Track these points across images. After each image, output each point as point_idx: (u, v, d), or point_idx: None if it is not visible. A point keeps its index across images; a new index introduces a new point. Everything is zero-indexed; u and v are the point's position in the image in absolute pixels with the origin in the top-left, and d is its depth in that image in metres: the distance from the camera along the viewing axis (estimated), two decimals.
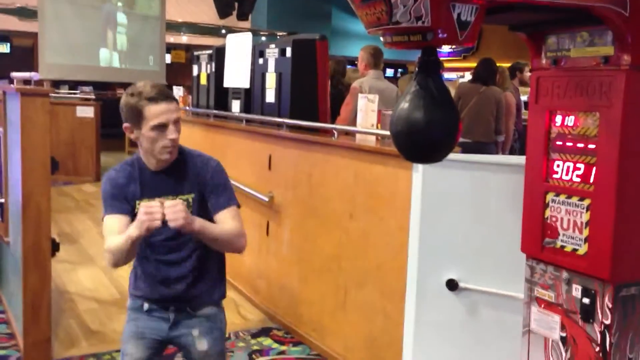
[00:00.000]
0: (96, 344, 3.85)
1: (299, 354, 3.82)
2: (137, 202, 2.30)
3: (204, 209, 2.33)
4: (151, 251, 2.38)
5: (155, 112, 2.20)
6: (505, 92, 6.14)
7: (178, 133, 2.27)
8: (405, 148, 1.68)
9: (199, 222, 2.20)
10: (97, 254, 5.79)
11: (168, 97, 2.25)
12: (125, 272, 5.32)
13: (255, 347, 3.88)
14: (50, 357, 3.59)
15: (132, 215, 2.24)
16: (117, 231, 2.21)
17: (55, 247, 3.65)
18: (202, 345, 2.39)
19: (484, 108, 5.74)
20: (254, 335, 4.07)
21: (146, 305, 2.42)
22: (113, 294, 4.71)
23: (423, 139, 1.62)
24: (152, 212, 2.06)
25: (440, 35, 1.53)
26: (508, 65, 7.00)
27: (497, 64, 6.43)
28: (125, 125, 2.28)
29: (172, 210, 2.07)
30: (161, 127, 2.22)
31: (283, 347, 3.91)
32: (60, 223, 6.84)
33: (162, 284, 2.38)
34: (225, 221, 2.32)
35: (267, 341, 3.99)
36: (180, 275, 2.36)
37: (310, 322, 3.96)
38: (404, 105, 1.63)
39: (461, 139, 5.75)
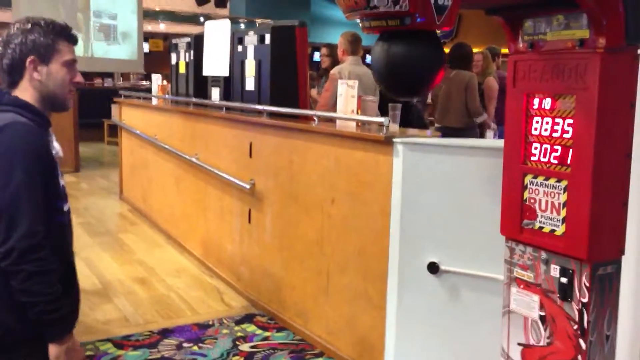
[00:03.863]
0: (78, 334, 3.78)
1: (282, 340, 3.84)
2: None
3: None
4: None
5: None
6: (488, 77, 6.09)
7: None
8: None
9: None
10: (77, 244, 5.74)
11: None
12: (107, 263, 5.31)
13: (239, 334, 3.90)
14: None
15: None
16: None
17: None
18: None
19: (454, 94, 5.65)
20: (238, 322, 4.08)
21: None
22: (95, 284, 4.69)
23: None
24: None
25: (417, 20, 1.54)
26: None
27: (479, 49, 6.40)
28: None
29: None
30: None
31: (267, 333, 3.93)
32: None
33: None
34: None
35: (250, 327, 4.01)
36: None
37: (294, 308, 3.98)
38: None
39: (436, 125, 5.77)
